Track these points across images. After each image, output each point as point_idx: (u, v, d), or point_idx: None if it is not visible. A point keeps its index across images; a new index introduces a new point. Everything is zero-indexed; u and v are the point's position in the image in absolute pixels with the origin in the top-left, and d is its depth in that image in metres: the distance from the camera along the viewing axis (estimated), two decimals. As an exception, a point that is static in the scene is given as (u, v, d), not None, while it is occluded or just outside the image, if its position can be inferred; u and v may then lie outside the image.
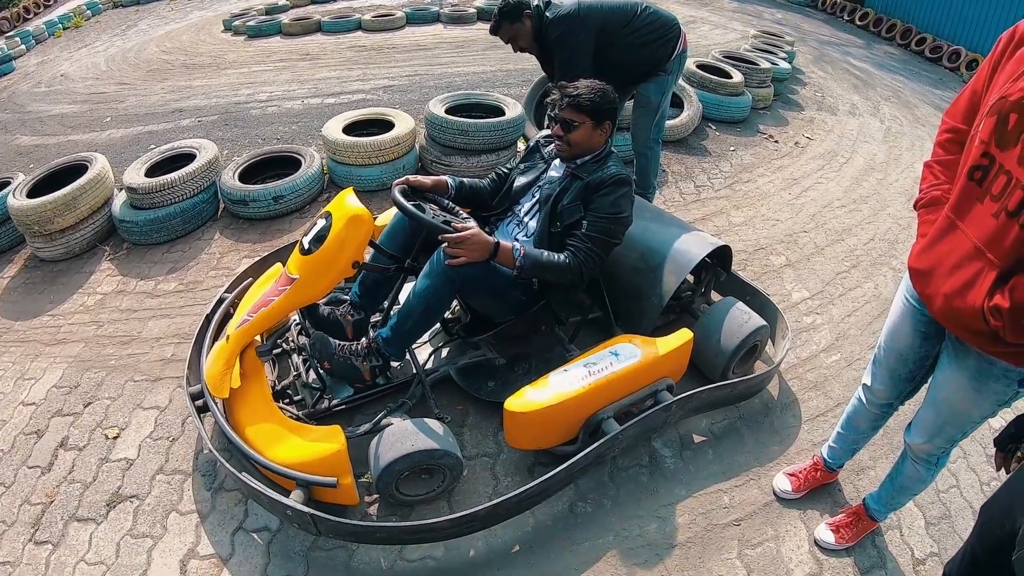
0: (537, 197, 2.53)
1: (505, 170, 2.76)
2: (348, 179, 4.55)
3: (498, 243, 2.19)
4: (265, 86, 7.50)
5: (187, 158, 4.58)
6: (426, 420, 2.22)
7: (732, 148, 5.70)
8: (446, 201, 2.53)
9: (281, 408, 2.34)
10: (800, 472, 2.46)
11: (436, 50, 8.88)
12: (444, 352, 2.83)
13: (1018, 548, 1.25)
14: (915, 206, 1.63)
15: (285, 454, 2.06)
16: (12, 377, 3.25)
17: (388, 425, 2.26)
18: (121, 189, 4.53)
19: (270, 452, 2.07)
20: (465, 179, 2.68)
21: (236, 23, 10.56)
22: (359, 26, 10.14)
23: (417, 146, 4.82)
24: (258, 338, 2.58)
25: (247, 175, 4.58)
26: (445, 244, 2.18)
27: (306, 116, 6.40)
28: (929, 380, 1.84)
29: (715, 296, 3.31)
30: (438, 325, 2.73)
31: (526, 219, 2.56)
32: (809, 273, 4.02)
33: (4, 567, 2.30)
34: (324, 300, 2.64)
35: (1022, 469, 1.47)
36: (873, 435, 2.24)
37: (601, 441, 2.16)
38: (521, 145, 4.95)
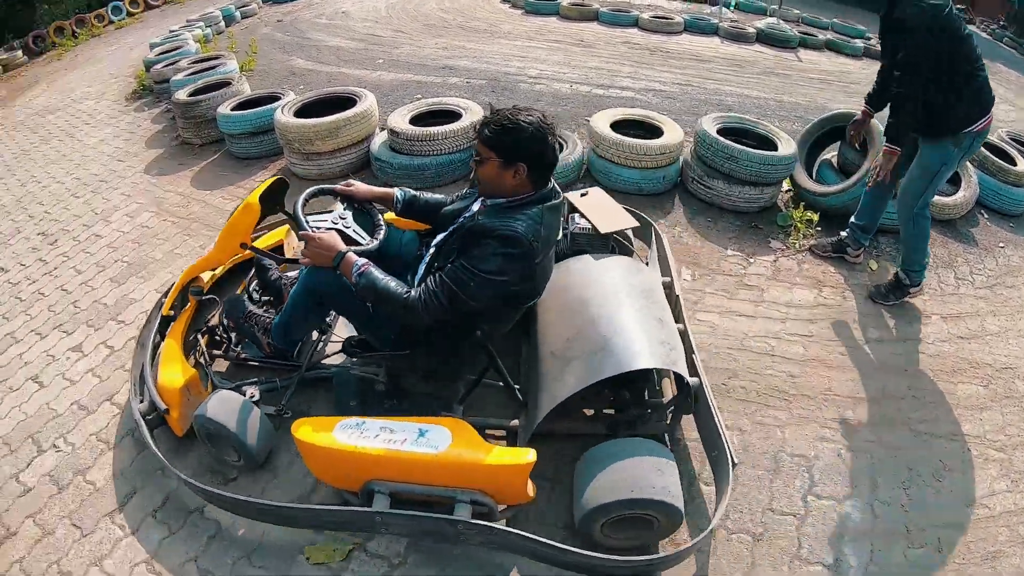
0: (451, 228, 2.22)
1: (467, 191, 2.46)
2: (606, 176, 4.31)
3: (345, 254, 2.05)
4: (536, 63, 7.40)
5: (452, 115, 4.54)
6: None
7: (1002, 244, 4.50)
8: (378, 216, 2.45)
9: (198, 341, 2.79)
10: None
11: (711, 64, 8.22)
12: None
13: None
14: None
15: (161, 373, 2.53)
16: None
17: (244, 391, 2.48)
18: (383, 129, 4.58)
19: (159, 368, 2.56)
20: (424, 194, 2.48)
21: (515, -6, 10.71)
22: (636, 23, 9.85)
23: (681, 160, 4.46)
24: (206, 278, 3.03)
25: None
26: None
27: (572, 101, 6.16)
28: None
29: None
30: None
31: (432, 250, 2.27)
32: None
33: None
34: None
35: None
36: None
37: (355, 509, 2.00)
38: (786, 186, 4.31)
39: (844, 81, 8.25)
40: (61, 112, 7.33)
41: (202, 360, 2.74)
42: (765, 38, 9.32)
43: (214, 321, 2.84)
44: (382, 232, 2.39)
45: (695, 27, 9.81)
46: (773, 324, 3.29)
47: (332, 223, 2.31)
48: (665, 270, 2.89)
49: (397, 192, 2.44)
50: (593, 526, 1.99)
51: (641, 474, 1.92)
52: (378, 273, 2.02)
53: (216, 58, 6.52)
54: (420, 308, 1.96)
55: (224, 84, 5.59)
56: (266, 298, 2.88)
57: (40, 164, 5.85)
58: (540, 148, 1.94)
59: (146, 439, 2.30)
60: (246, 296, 2.84)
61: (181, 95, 5.40)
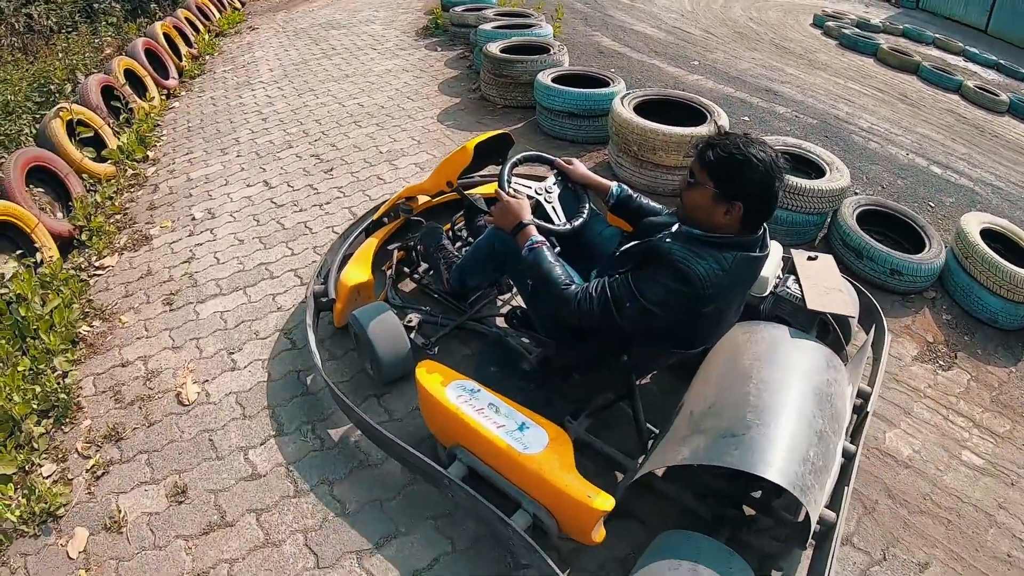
0: (644, 240, 2.00)
1: None
2: (964, 294, 3.53)
3: (527, 225, 2.02)
4: (863, 112, 6.33)
5: (813, 167, 3.76)
6: None
7: None
8: (586, 202, 2.36)
9: (392, 255, 2.89)
10: None
11: None
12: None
13: None
14: None
15: (347, 269, 2.68)
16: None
17: (407, 314, 2.57)
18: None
19: (348, 265, 2.72)
20: (642, 197, 2.35)
21: (829, 23, 9.62)
22: (958, 89, 8.41)
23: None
24: (420, 199, 3.05)
25: (865, 218, 3.62)
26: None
27: (910, 175, 5.10)
28: None
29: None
30: None
31: (620, 252, 2.10)
32: None
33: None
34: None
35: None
36: None
37: (430, 462, 1.97)
38: None
39: None
40: (346, 30, 7.28)
41: (388, 272, 2.84)
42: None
43: (413, 242, 2.90)
44: (581, 219, 2.30)
45: (1020, 111, 8.24)
46: None
47: (536, 192, 2.30)
48: (869, 377, 2.52)
49: (614, 187, 2.33)
50: None
51: None
52: (550, 255, 1.98)
53: (526, 16, 6.08)
54: (574, 305, 1.89)
55: (541, 49, 5.10)
56: (467, 239, 2.91)
57: (320, 79, 5.72)
58: (765, 192, 1.72)
59: (307, 318, 2.55)
60: (447, 231, 2.88)
61: (493, 48, 4.97)
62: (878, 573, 2.28)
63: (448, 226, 3.00)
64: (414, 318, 2.55)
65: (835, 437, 1.92)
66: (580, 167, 2.37)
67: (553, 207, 2.30)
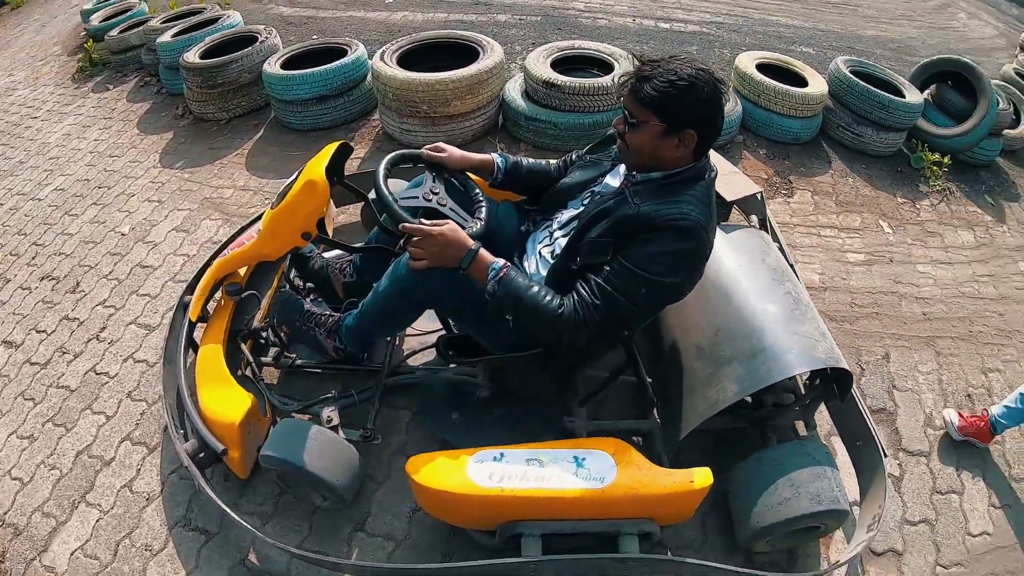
0: (581, 209, 1.87)
1: (577, 156, 2.10)
2: (768, 126, 3.99)
3: (475, 251, 1.64)
4: None
5: (595, 63, 3.84)
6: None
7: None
8: (475, 189, 1.99)
9: (243, 349, 2.22)
10: (969, 417, 2.40)
11: None
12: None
13: None
14: None
15: (206, 400, 2.00)
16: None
17: (318, 414, 2.03)
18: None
19: (200, 392, 2.03)
20: (526, 160, 2.11)
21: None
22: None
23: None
24: (242, 271, 2.40)
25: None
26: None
27: (650, 38, 5.38)
28: None
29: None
30: None
31: (558, 233, 1.89)
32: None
33: None
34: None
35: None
36: None
37: (507, 561, 1.73)
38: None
39: (849, 4, 8.06)
40: (-12, 109, 5.59)
41: (250, 374, 2.20)
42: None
43: (266, 325, 2.29)
44: (484, 210, 1.92)
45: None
46: (966, 268, 3.35)
47: (425, 200, 1.88)
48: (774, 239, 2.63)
49: (497, 159, 2.04)
50: (761, 542, 1.89)
51: (816, 484, 1.80)
52: (519, 276, 1.64)
53: (199, 11, 5.07)
54: (577, 325, 1.59)
55: (247, 39, 4.24)
56: (306, 286, 2.38)
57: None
58: (714, 111, 1.58)
59: (205, 490, 1.87)
60: (287, 287, 2.37)
61: (192, 57, 4.05)
62: (867, 383, 2.58)
63: (275, 284, 2.43)
64: (331, 414, 2.01)
65: (808, 300, 2.07)
66: (454, 151, 2.01)
67: (450, 208, 1.89)
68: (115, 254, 3.16)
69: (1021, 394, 2.27)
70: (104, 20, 5.70)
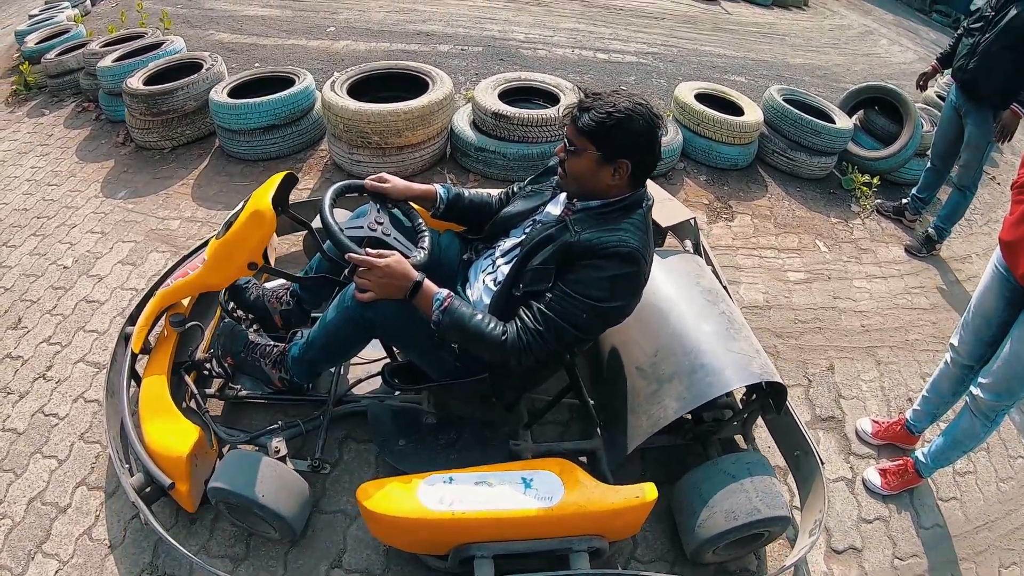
0: (523, 237, 1.95)
1: (518, 187, 2.19)
2: (707, 154, 4.19)
3: (420, 282, 1.70)
4: (512, 25, 6.69)
5: (540, 94, 3.95)
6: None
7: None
8: (418, 218, 2.05)
9: (187, 381, 2.19)
10: (883, 421, 2.60)
11: (664, 21, 8.08)
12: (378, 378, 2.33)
13: None
14: (1011, 187, 1.96)
15: (151, 433, 1.96)
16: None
17: (265, 445, 2.05)
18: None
19: (144, 425, 2.00)
20: (468, 191, 2.16)
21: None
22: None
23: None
24: (185, 302, 2.38)
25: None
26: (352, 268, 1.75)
27: (589, 68, 5.58)
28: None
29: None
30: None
31: (500, 261, 1.97)
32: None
33: None
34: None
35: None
36: (954, 402, 2.39)
37: None
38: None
39: (777, 33, 8.58)
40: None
41: (194, 406, 2.18)
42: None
43: (209, 357, 2.26)
44: (427, 239, 1.96)
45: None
46: (899, 281, 3.63)
47: (369, 230, 1.89)
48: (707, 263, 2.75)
49: (440, 189, 2.08)
50: (706, 552, 1.96)
51: (756, 493, 1.90)
52: (463, 306, 1.70)
53: (139, 36, 4.98)
54: (522, 350, 1.67)
55: (191, 66, 4.20)
56: (248, 316, 2.36)
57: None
58: (648, 143, 1.67)
59: (154, 527, 1.81)
60: (227, 318, 2.32)
61: (135, 83, 3.98)
62: (815, 394, 2.76)
63: (218, 315, 2.42)
64: (279, 445, 2.03)
65: (742, 319, 2.19)
66: (397, 181, 2.04)
67: (394, 238, 1.91)
68: (58, 288, 3.07)
69: (925, 396, 2.44)
70: (40, 42, 5.52)
